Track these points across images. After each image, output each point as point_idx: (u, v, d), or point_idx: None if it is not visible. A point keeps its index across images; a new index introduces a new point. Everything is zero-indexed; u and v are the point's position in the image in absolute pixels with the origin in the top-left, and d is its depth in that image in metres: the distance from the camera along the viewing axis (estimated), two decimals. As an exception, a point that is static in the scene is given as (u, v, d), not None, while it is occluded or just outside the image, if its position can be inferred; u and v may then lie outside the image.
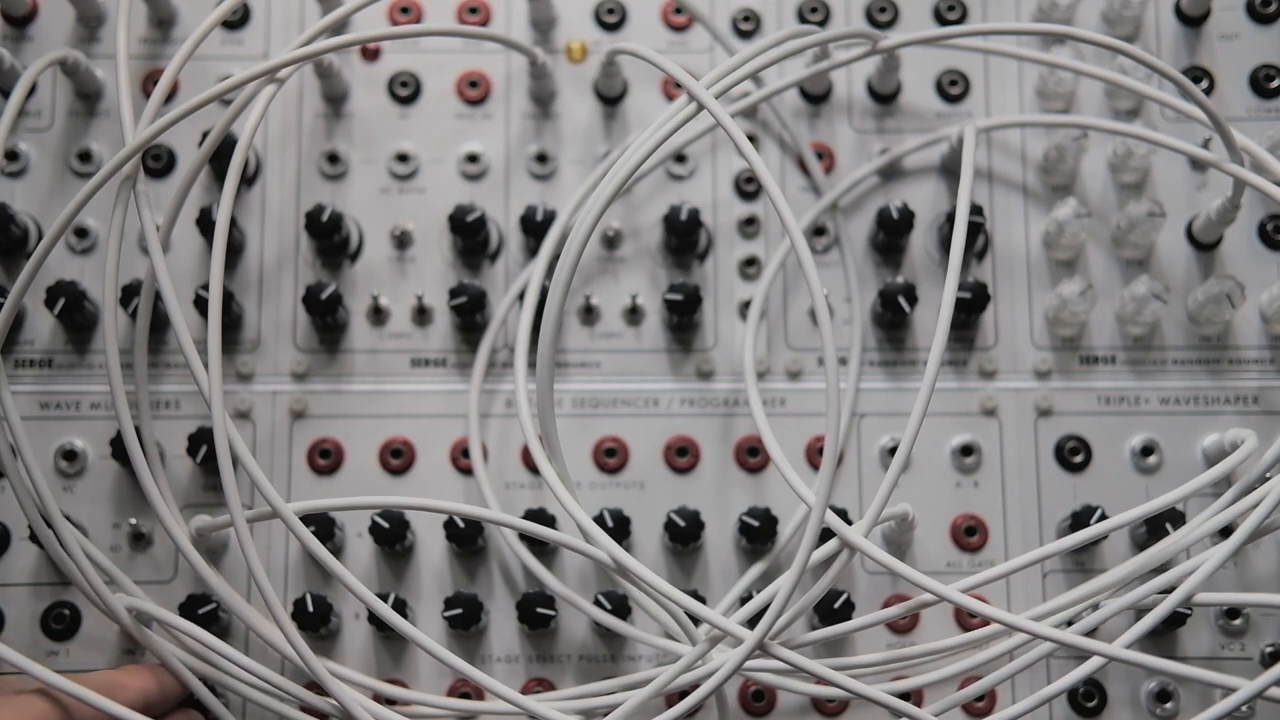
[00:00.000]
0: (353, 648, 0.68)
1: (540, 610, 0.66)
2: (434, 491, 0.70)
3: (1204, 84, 0.74)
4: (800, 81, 0.71)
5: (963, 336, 0.72)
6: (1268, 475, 0.62)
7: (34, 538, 0.61)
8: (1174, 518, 0.66)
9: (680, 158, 0.74)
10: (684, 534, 0.67)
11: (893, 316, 0.70)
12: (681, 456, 0.70)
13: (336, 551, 0.69)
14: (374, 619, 0.66)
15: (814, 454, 0.70)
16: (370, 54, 0.75)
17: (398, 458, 0.70)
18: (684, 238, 0.71)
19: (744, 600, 0.65)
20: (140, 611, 0.61)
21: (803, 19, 0.75)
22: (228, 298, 0.70)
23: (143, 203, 0.59)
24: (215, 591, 0.61)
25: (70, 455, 0.69)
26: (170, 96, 0.72)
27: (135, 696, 0.59)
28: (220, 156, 0.70)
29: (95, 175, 0.58)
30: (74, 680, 0.57)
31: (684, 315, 0.70)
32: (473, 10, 0.75)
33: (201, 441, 0.67)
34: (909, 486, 0.70)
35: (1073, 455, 0.70)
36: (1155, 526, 0.66)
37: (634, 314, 0.72)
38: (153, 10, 0.74)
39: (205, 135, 0.63)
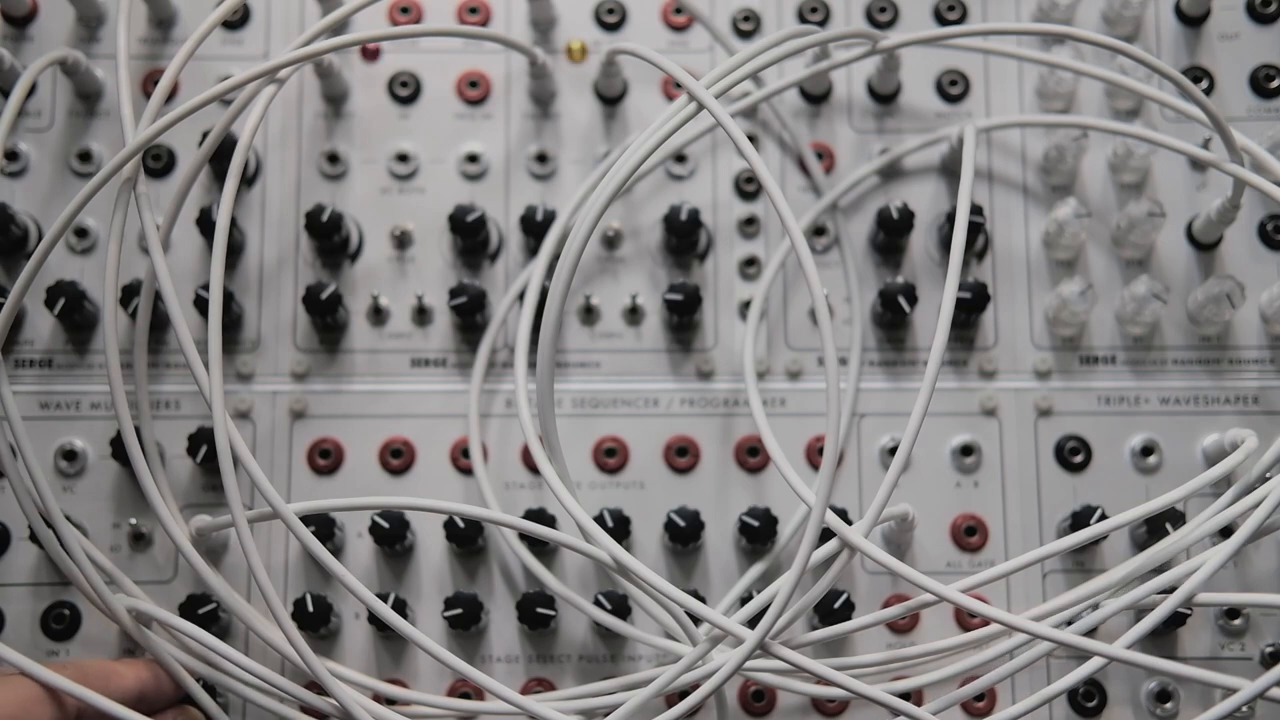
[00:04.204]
0: (353, 648, 0.68)
1: (540, 610, 0.66)
2: (434, 491, 0.70)
3: (1204, 84, 0.74)
4: (800, 81, 0.71)
5: (963, 336, 0.72)
6: (1268, 475, 0.62)
7: (34, 538, 0.61)
8: (1174, 518, 0.66)
9: (680, 158, 0.74)
10: (684, 534, 0.67)
11: (893, 316, 0.70)
12: (681, 456, 0.70)
13: (336, 551, 0.69)
14: (374, 619, 0.66)
15: (814, 454, 0.70)
16: (370, 54, 0.75)
17: (398, 458, 0.70)
18: (684, 238, 0.71)
19: (744, 600, 0.65)
20: (140, 612, 0.61)
21: (803, 19, 0.75)
22: (228, 298, 0.70)
23: (143, 203, 0.59)
24: (215, 591, 0.61)
25: (70, 455, 0.69)
26: (170, 96, 0.72)
27: (131, 686, 0.59)
28: (220, 156, 0.70)
29: (95, 175, 0.59)
30: (61, 665, 0.57)
31: (684, 315, 0.70)
32: (473, 10, 0.75)
33: (201, 441, 0.67)
34: (909, 486, 0.70)
35: (1073, 455, 0.70)
36: (1155, 526, 0.66)
37: (634, 314, 0.72)
38: (153, 10, 0.74)
39: (205, 135, 0.63)
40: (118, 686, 0.58)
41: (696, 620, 0.61)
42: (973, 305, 0.69)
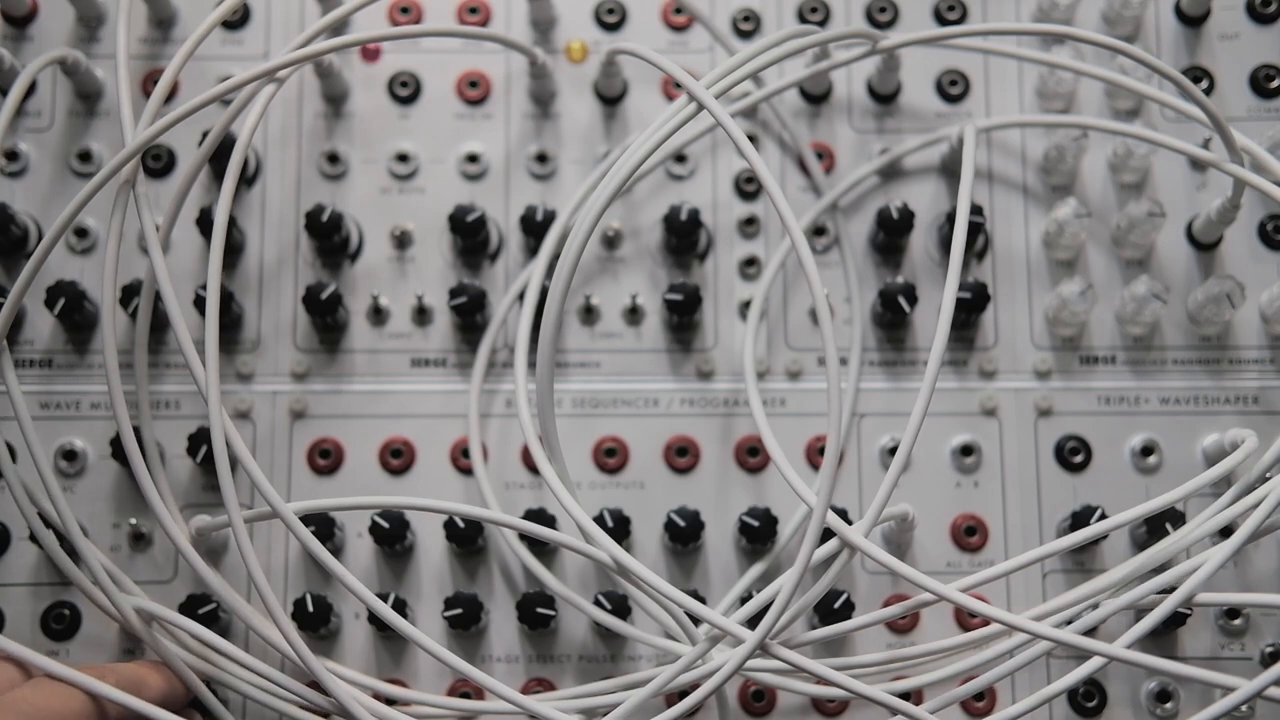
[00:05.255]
0: (353, 648, 0.68)
1: (540, 610, 0.66)
2: (434, 491, 0.70)
3: (1204, 84, 0.74)
4: (800, 81, 0.71)
5: (963, 336, 0.72)
6: (1268, 475, 0.62)
7: (34, 538, 0.61)
8: (1174, 518, 0.66)
9: (680, 158, 0.74)
10: (684, 534, 0.67)
11: (893, 316, 0.70)
12: (681, 456, 0.70)
13: (336, 551, 0.69)
14: (374, 619, 0.66)
15: (814, 454, 0.70)
16: (370, 54, 0.75)
17: (398, 458, 0.70)
18: (684, 238, 0.71)
19: (744, 600, 0.65)
20: (143, 611, 0.61)
21: (803, 19, 0.75)
22: (228, 298, 0.70)
23: (142, 204, 0.59)
24: (215, 592, 0.61)
25: (70, 455, 0.69)
26: (170, 96, 0.72)
27: (157, 694, 0.59)
28: (220, 156, 0.70)
29: (95, 176, 0.59)
30: (98, 670, 0.57)
31: (684, 315, 0.70)
32: (473, 10, 0.75)
33: (201, 441, 0.67)
34: (909, 486, 0.70)
35: (1073, 455, 0.70)
36: (1155, 526, 0.66)
37: (634, 314, 0.72)
38: (153, 10, 0.74)
39: (205, 135, 0.63)
40: (148, 692, 0.59)
41: (696, 620, 0.61)
42: (973, 305, 0.69)
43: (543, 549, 0.68)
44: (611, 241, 0.73)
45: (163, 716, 0.57)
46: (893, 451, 0.70)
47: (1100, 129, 0.70)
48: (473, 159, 0.74)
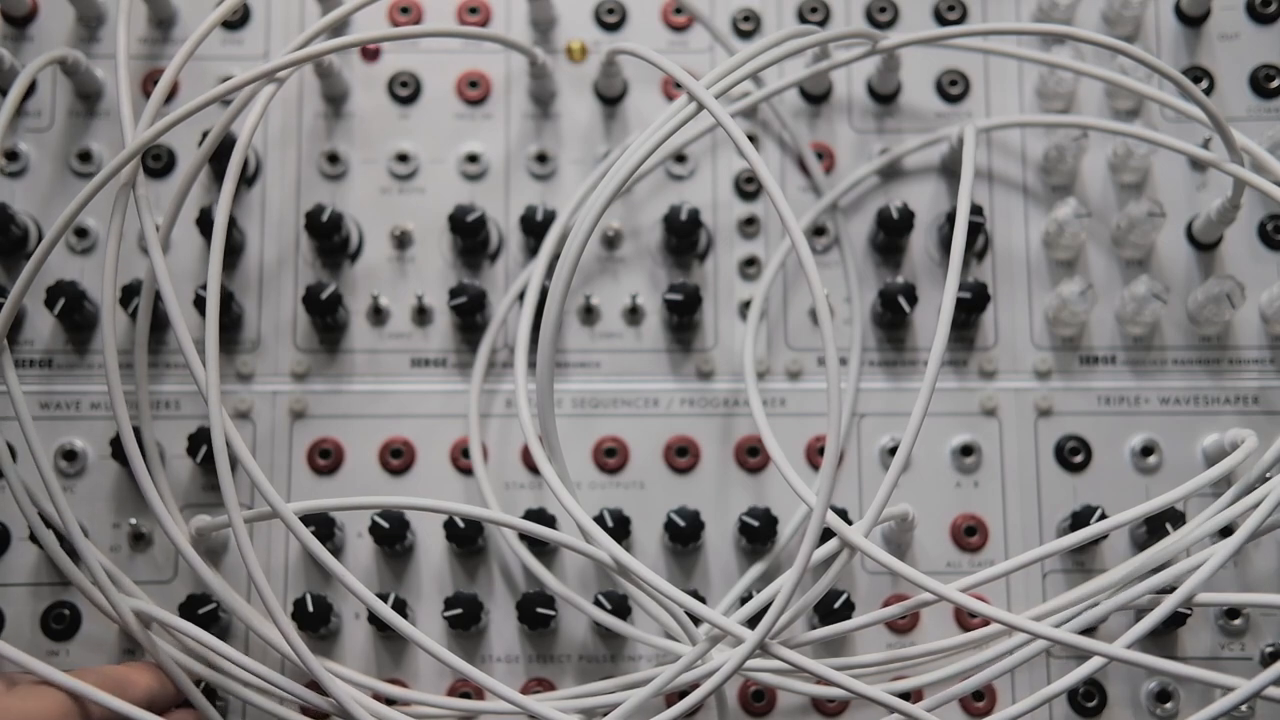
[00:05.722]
0: (353, 648, 0.68)
1: (540, 610, 0.66)
2: (434, 491, 0.70)
3: (1204, 84, 0.74)
4: (800, 81, 0.71)
5: (963, 336, 0.72)
6: (1268, 475, 0.62)
7: (34, 538, 0.61)
8: (1174, 518, 0.66)
9: (680, 158, 0.74)
10: (684, 534, 0.67)
11: (893, 316, 0.70)
12: (681, 456, 0.70)
13: (336, 551, 0.69)
14: (374, 619, 0.67)
15: (814, 454, 0.70)
16: (370, 54, 0.75)
17: (398, 458, 0.70)
18: (684, 238, 0.71)
19: (744, 600, 0.65)
20: (142, 612, 0.61)
21: (803, 19, 0.75)
22: (228, 298, 0.70)
23: (142, 204, 0.59)
24: (215, 592, 0.61)
25: (70, 455, 0.69)
26: (170, 96, 0.72)
27: (143, 694, 0.59)
28: (221, 156, 0.70)
29: (95, 177, 0.59)
30: (81, 672, 0.57)
31: (684, 315, 0.70)
32: (473, 10, 0.75)
33: (201, 441, 0.67)
34: (909, 486, 0.70)
35: (1073, 455, 0.70)
36: (1155, 526, 0.66)
37: (634, 314, 0.72)
38: (153, 10, 0.74)
39: (205, 135, 0.63)
40: (133, 692, 0.59)
41: (696, 620, 0.61)
42: (973, 305, 0.69)
43: (543, 549, 0.68)
44: (611, 241, 0.73)
45: (141, 716, 0.57)
46: (893, 451, 0.70)
47: (1100, 129, 0.70)
48: (473, 159, 0.74)
